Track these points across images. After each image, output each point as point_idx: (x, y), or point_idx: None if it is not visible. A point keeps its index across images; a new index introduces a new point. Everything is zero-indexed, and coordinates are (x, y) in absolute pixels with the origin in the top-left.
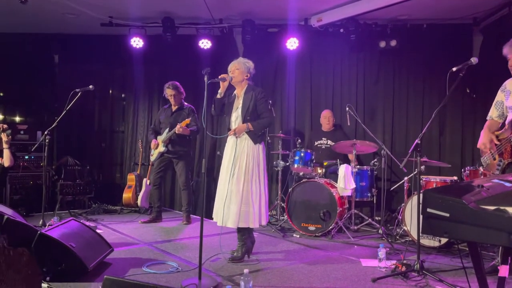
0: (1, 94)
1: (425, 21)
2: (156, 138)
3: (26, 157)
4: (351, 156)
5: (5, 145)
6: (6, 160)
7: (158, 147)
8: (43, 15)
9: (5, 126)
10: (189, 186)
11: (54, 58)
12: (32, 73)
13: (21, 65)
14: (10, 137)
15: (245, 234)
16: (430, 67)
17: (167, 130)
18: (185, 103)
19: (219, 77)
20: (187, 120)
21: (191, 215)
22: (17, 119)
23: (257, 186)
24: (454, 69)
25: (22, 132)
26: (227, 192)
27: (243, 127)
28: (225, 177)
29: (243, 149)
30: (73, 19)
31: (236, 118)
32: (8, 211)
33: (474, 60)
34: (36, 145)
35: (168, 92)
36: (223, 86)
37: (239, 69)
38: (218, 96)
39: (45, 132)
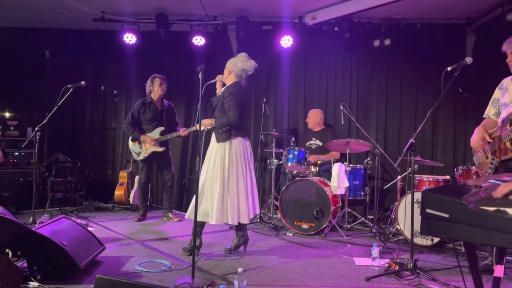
0: None
1: (419, 21)
2: (144, 134)
3: (16, 153)
4: (336, 154)
5: None
6: None
7: (156, 144)
8: (34, 9)
9: None
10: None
11: (45, 53)
12: (23, 68)
13: (11, 60)
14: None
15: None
16: (423, 67)
17: (160, 128)
18: (165, 100)
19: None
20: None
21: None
22: (7, 114)
23: (214, 184)
24: (449, 68)
25: (12, 128)
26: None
27: (207, 121)
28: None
29: (212, 145)
30: (65, 14)
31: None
32: None
33: (468, 60)
34: (27, 141)
35: (158, 81)
36: (218, 87)
37: (226, 68)
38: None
39: (36, 129)
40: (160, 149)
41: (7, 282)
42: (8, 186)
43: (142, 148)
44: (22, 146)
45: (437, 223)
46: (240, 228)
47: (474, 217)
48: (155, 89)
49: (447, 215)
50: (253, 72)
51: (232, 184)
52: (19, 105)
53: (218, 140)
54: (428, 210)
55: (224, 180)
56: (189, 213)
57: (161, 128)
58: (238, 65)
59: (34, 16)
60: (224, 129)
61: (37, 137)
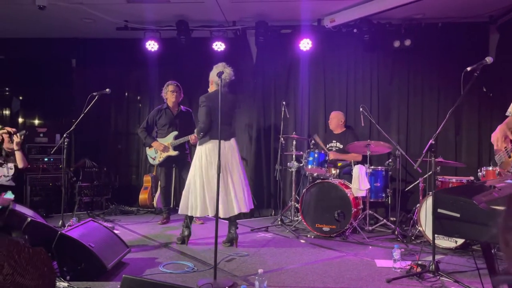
0: (21, 97)
1: (440, 20)
2: (155, 140)
3: (46, 159)
4: (357, 156)
5: (15, 147)
6: (19, 162)
7: (166, 150)
8: (61, 20)
9: (13, 129)
10: None
11: (72, 62)
12: (51, 77)
13: (40, 69)
14: (22, 137)
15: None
16: (445, 67)
17: (174, 133)
18: (182, 106)
19: None
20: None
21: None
22: (36, 122)
23: (195, 182)
24: (468, 68)
25: (41, 135)
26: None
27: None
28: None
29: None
30: (90, 24)
31: None
32: (29, 212)
33: (489, 59)
34: (55, 147)
35: (170, 88)
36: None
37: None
38: None
39: (64, 135)
40: (174, 153)
41: (42, 274)
42: (38, 190)
43: (158, 152)
44: (51, 152)
45: (450, 223)
46: (230, 224)
47: (485, 216)
48: (167, 95)
49: (458, 215)
50: (272, 75)
51: (211, 182)
52: (47, 113)
53: (198, 144)
54: (440, 210)
55: (202, 178)
56: (181, 209)
57: (175, 133)
58: (214, 75)
59: (61, 27)
60: (199, 135)
61: (65, 143)
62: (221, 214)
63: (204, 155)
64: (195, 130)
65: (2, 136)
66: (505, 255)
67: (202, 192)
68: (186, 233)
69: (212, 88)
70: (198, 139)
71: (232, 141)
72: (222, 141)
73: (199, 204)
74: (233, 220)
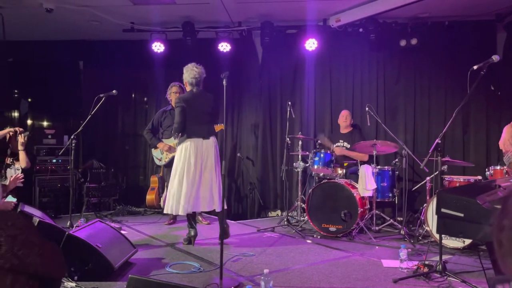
0: (30, 100)
1: (447, 19)
2: (161, 141)
3: (54, 160)
4: (363, 156)
5: (20, 147)
6: (23, 162)
7: (171, 150)
8: (68, 23)
9: (21, 129)
10: None
11: (79, 64)
12: (59, 79)
13: (48, 72)
14: (26, 138)
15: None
16: (452, 66)
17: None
18: None
19: None
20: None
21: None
22: (45, 123)
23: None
24: (475, 67)
25: (49, 136)
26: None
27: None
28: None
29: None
30: (97, 26)
31: None
32: (37, 213)
33: (495, 58)
34: (63, 149)
35: (174, 89)
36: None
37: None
38: None
39: (71, 136)
40: None
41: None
42: (47, 192)
43: (163, 153)
44: (59, 154)
45: (453, 223)
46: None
47: (489, 216)
48: (171, 96)
49: (461, 214)
50: (278, 75)
51: (187, 180)
52: (55, 115)
53: (177, 144)
54: (443, 210)
55: (182, 176)
56: (166, 208)
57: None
58: (186, 76)
59: (68, 29)
60: (175, 135)
61: (73, 144)
62: (181, 211)
63: (183, 153)
64: (171, 132)
65: (9, 134)
66: (498, 254)
67: (179, 190)
68: (192, 233)
69: (187, 89)
70: (177, 139)
71: (212, 139)
72: (200, 139)
73: (174, 203)
74: (194, 217)
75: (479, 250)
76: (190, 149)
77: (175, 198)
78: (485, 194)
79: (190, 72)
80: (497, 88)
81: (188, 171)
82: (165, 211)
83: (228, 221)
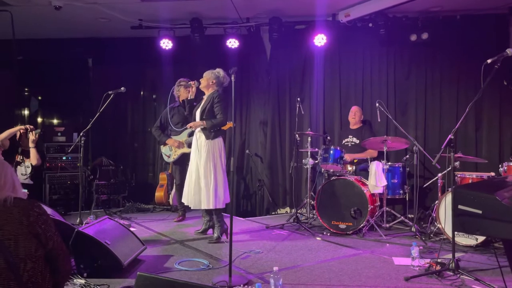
0: (40, 97)
1: (459, 13)
2: (169, 137)
3: (64, 158)
4: (373, 152)
5: (31, 144)
6: (33, 159)
7: (180, 146)
8: (77, 20)
9: (32, 126)
10: None
11: (88, 61)
12: (68, 76)
13: (57, 69)
14: (37, 136)
15: (218, 215)
16: (464, 60)
17: (188, 130)
18: (195, 103)
19: (188, 82)
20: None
21: None
22: (55, 121)
23: (211, 174)
24: (489, 61)
25: (59, 134)
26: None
27: (198, 123)
28: (193, 166)
29: (201, 143)
30: (105, 24)
31: (198, 116)
32: (48, 210)
33: (510, 51)
34: (73, 146)
35: (182, 84)
36: (191, 91)
37: (205, 77)
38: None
39: (81, 134)
40: (188, 150)
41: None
42: (57, 189)
43: (172, 150)
44: (69, 151)
45: (470, 220)
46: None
47: (509, 213)
48: (180, 92)
49: (480, 211)
50: (287, 71)
51: (221, 174)
52: (65, 112)
53: (207, 137)
54: (460, 207)
55: (216, 171)
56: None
57: (189, 130)
58: (220, 78)
59: (76, 27)
60: (217, 128)
61: (82, 142)
62: (218, 205)
63: (218, 150)
64: (205, 122)
65: (20, 132)
66: None
67: (213, 184)
68: (224, 226)
69: (208, 87)
70: (209, 133)
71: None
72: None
73: (212, 196)
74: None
75: (494, 247)
76: (221, 147)
77: (223, 189)
78: (503, 190)
79: (225, 78)
80: (510, 83)
81: (222, 166)
82: (219, 206)
83: (236, 218)
